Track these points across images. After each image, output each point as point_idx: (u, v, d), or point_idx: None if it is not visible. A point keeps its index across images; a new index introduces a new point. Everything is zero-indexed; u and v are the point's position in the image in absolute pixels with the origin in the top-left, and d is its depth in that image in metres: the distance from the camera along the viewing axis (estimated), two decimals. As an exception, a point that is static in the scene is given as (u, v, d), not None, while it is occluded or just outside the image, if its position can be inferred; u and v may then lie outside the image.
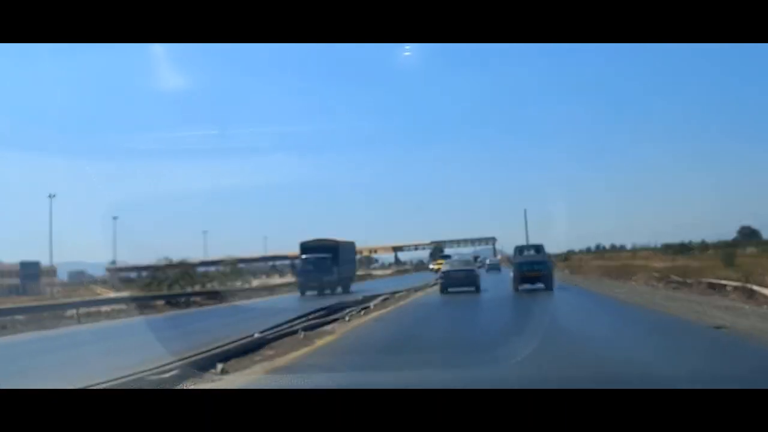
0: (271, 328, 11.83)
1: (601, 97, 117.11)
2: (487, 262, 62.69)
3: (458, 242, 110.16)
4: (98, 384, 5.91)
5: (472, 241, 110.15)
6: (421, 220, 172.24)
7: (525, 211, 69.74)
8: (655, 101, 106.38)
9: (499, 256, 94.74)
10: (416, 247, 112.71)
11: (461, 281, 23.69)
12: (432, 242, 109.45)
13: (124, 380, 6.43)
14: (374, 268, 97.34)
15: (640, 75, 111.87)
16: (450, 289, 23.50)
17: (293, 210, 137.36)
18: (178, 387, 6.64)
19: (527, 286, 23.85)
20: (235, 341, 10.00)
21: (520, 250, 26.57)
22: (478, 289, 23.62)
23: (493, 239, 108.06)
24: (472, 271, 25.02)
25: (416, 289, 28.26)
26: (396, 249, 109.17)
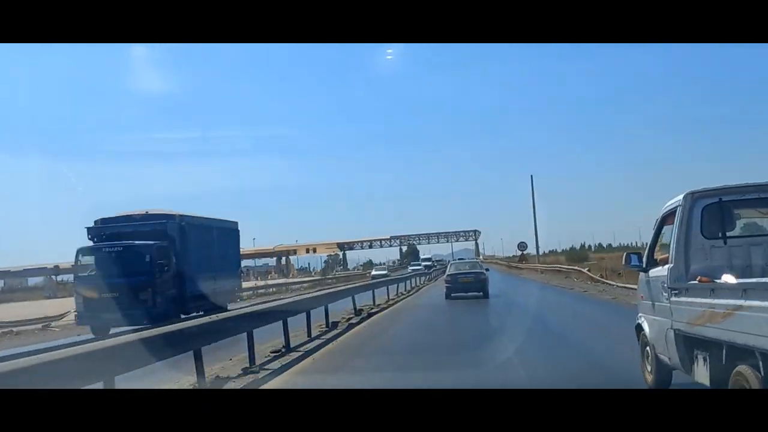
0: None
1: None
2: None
3: (429, 237, 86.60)
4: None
5: (448, 236, 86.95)
6: (382, 212, 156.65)
7: (531, 177, 47.19)
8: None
9: (480, 257, 72.58)
10: (371, 244, 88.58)
11: (467, 286, 20.48)
12: (392, 237, 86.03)
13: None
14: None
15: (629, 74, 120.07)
16: (454, 294, 20.29)
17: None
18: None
19: None
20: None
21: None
22: (486, 295, 20.26)
23: (476, 233, 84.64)
24: (480, 274, 21.13)
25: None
26: (343, 247, 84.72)
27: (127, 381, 5.35)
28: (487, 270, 22.48)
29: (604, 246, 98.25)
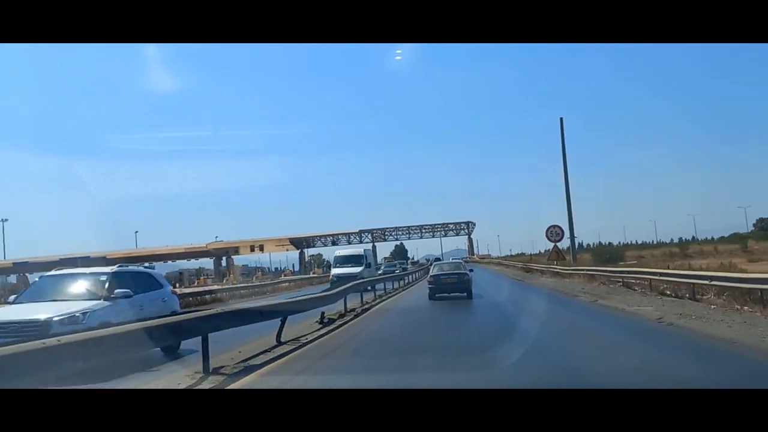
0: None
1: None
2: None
3: (411, 231, 71.93)
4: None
5: (434, 229, 72.09)
6: (351, 203, 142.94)
7: (561, 120, 33.62)
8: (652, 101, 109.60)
9: (474, 256, 58.82)
10: (335, 240, 74.11)
11: (451, 287, 20.12)
12: (362, 231, 71.44)
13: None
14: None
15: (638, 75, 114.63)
16: (438, 295, 19.95)
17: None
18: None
19: None
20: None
21: None
22: (470, 295, 19.82)
23: (469, 226, 70.07)
24: (464, 275, 20.52)
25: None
26: (299, 242, 69.93)
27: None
28: (471, 271, 21.43)
29: (604, 243, 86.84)
